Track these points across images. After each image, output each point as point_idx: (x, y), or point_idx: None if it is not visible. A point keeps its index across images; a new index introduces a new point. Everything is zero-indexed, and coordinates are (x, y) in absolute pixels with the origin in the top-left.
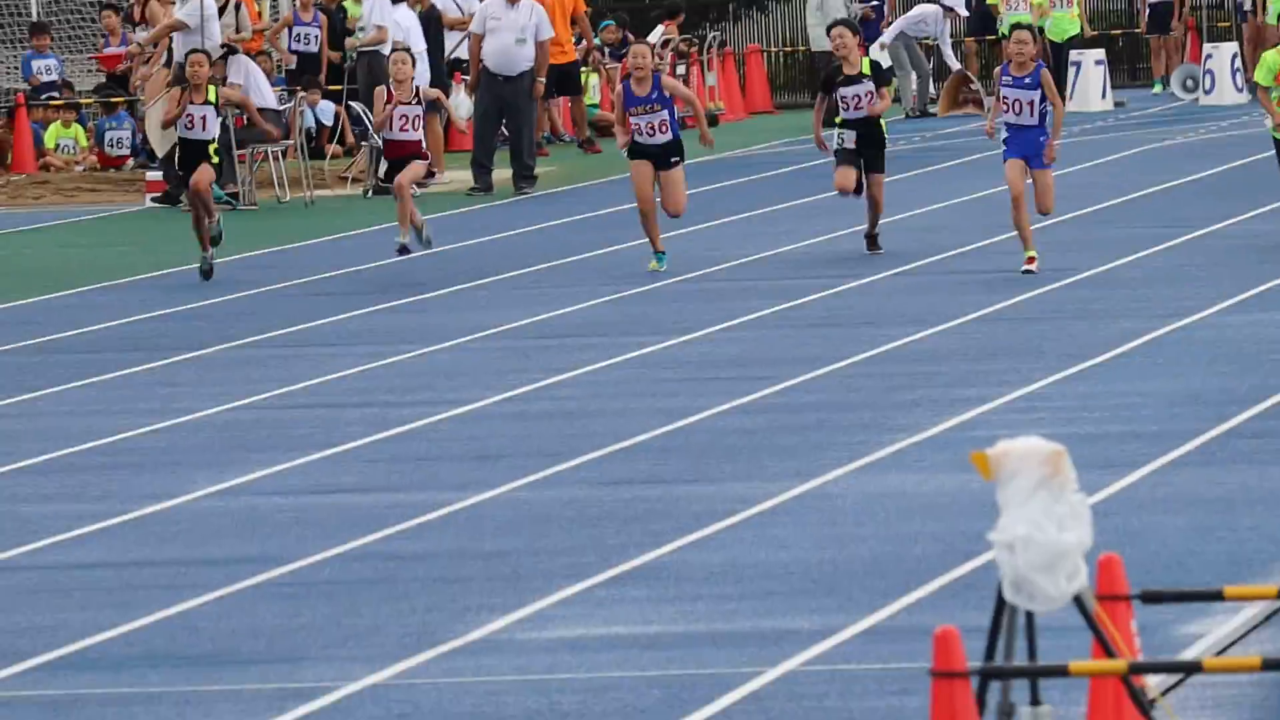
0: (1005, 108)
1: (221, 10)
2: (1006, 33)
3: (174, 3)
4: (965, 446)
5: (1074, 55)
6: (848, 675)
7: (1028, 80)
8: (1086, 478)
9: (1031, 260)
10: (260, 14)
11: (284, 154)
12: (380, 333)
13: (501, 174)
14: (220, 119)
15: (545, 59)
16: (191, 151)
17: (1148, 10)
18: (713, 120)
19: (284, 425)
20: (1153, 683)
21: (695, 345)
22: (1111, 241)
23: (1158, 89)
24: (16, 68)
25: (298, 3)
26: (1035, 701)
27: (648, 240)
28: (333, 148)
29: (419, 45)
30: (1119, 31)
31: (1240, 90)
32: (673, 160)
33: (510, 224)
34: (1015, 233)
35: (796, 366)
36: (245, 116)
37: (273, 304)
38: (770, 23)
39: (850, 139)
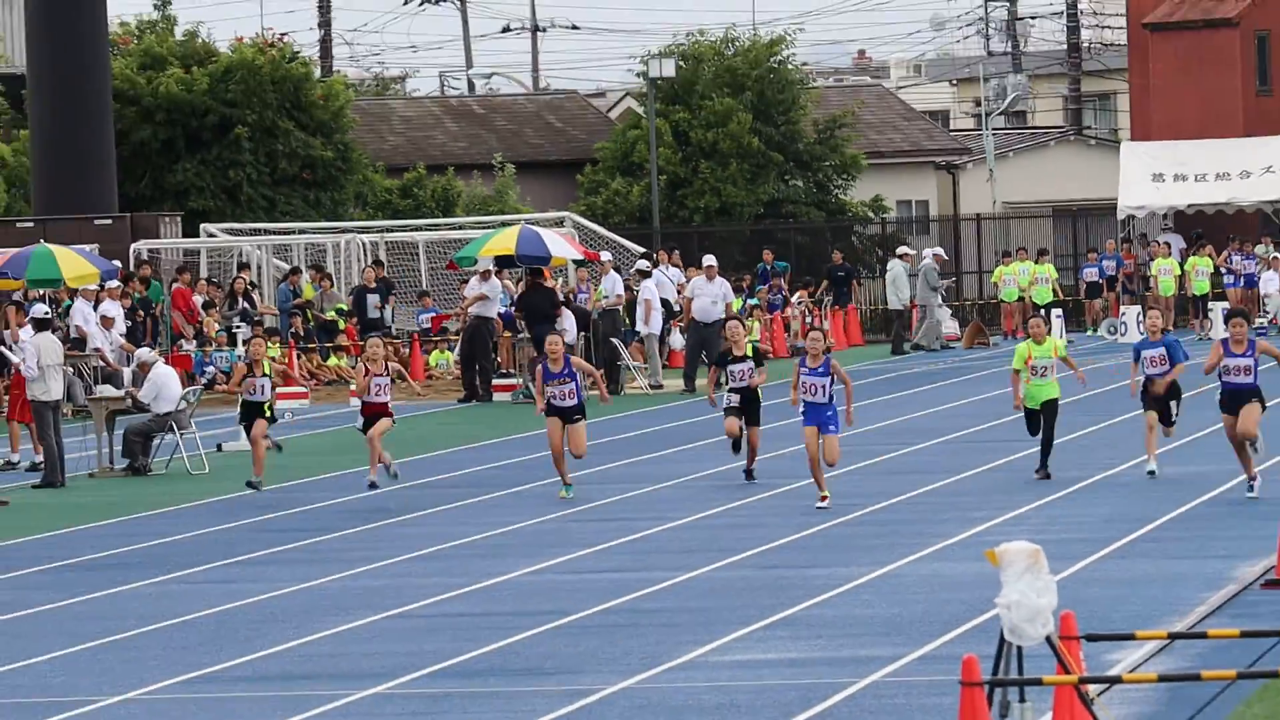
0: (802, 390)
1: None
2: (1007, 299)
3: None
4: (980, 547)
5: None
6: (909, 685)
7: (820, 369)
8: (1054, 565)
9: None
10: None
11: None
12: (632, 477)
13: (700, 381)
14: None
15: (730, 314)
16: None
17: (1085, 286)
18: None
19: (570, 533)
20: (1092, 689)
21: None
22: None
23: (1090, 331)
24: (413, 316)
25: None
26: (1022, 699)
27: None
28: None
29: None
30: (1071, 299)
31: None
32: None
33: (707, 410)
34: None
35: (875, 499)
36: None
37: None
38: (865, 290)
39: (735, 400)
